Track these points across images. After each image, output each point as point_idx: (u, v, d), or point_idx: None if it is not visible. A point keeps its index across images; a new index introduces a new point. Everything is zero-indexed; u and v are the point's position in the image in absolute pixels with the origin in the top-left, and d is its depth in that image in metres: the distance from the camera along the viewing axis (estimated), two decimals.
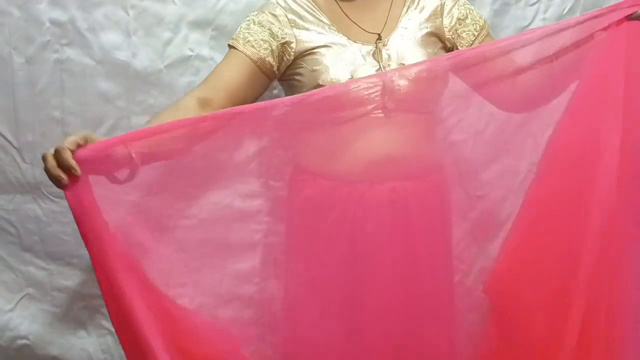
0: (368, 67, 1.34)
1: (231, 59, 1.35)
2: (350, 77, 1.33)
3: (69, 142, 1.06)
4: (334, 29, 1.37)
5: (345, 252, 1.35)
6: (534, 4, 1.76)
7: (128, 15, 1.49)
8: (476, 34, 1.45)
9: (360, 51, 1.35)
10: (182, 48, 1.53)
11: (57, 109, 1.50)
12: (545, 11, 1.77)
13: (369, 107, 1.33)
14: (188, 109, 1.23)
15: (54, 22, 1.45)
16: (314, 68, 1.34)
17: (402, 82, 1.34)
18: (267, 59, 1.35)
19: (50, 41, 1.46)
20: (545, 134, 1.86)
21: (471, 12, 1.46)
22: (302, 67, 1.36)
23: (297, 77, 1.37)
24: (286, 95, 1.44)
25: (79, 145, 1.07)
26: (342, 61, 1.34)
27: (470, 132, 1.82)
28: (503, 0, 1.74)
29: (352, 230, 1.34)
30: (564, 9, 1.78)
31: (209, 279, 1.70)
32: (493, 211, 1.88)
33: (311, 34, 1.36)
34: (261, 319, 1.75)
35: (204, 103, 1.27)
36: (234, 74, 1.33)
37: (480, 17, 1.47)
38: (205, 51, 1.54)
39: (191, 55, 1.54)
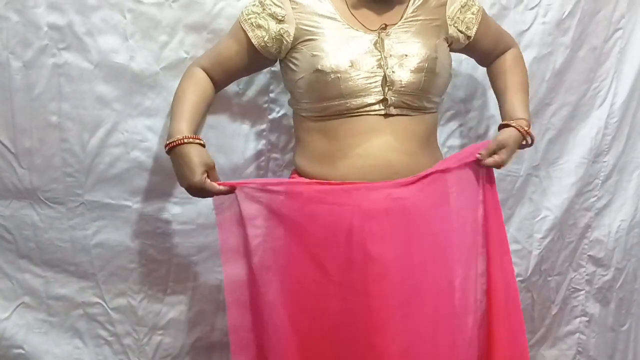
0: (369, 57, 1.34)
1: (235, 41, 1.42)
2: (350, 64, 1.32)
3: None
4: (337, 15, 1.37)
5: (341, 258, 1.34)
6: (533, 7, 1.77)
7: (125, 19, 1.48)
8: (472, 26, 1.48)
9: (363, 39, 1.35)
10: (178, 51, 1.53)
11: (54, 114, 1.48)
12: (545, 15, 1.78)
13: (369, 99, 1.33)
14: (204, 84, 1.43)
15: (52, 27, 1.44)
16: (314, 53, 1.34)
17: (403, 74, 1.34)
18: (268, 45, 1.38)
19: (48, 45, 1.44)
20: (544, 138, 1.89)
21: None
22: (301, 51, 1.36)
23: (295, 62, 1.37)
24: (282, 75, 1.46)
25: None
26: (343, 48, 1.33)
27: (472, 137, 1.83)
28: (501, 4, 1.75)
29: (349, 237, 1.33)
30: (563, 13, 1.79)
31: (208, 285, 1.69)
32: None
33: (312, 18, 1.36)
34: (261, 325, 1.74)
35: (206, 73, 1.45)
36: (235, 56, 1.43)
37: (474, 4, 1.49)
38: (200, 53, 1.54)
39: (186, 58, 1.54)
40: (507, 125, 1.47)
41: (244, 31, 1.39)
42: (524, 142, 1.48)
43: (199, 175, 1.30)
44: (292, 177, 1.46)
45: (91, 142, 1.52)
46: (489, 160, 1.43)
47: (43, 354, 1.61)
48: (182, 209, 1.62)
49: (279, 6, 1.37)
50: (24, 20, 1.42)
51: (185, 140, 1.32)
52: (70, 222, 1.56)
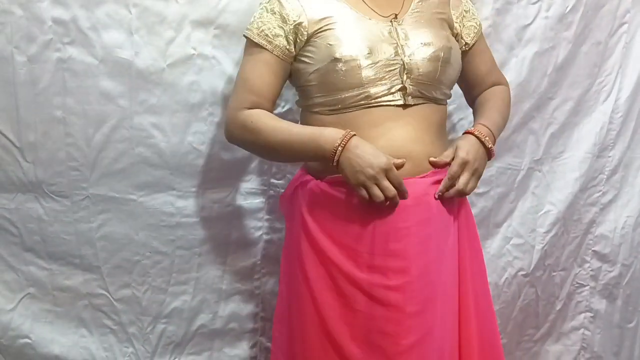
0: (386, 44, 1.33)
1: (259, 63, 1.36)
2: (368, 52, 1.31)
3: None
4: (348, 5, 1.36)
5: (367, 252, 1.32)
6: (535, 2, 1.76)
7: (130, 13, 1.48)
8: (472, 35, 1.48)
9: (377, 27, 1.34)
10: (184, 47, 1.52)
11: (59, 109, 1.49)
12: (547, 9, 1.77)
13: (387, 87, 1.32)
14: (270, 114, 1.39)
15: (56, 21, 1.44)
16: (330, 43, 1.31)
17: (420, 61, 1.33)
18: (286, 48, 1.35)
19: (53, 40, 1.45)
20: (547, 132, 1.89)
21: (472, 7, 1.49)
22: (315, 43, 1.33)
23: (308, 54, 1.34)
24: (291, 77, 1.41)
25: None
26: (358, 35, 1.32)
27: None
28: None
29: (373, 232, 1.31)
30: (566, 7, 1.78)
31: (211, 275, 1.70)
32: (492, 209, 1.89)
33: (323, 7, 1.34)
34: (261, 313, 1.75)
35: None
36: (271, 79, 1.37)
37: (476, 17, 1.49)
38: (207, 50, 1.54)
39: (194, 54, 1.53)
40: (468, 133, 1.38)
41: (262, 47, 1.35)
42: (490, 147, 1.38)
43: (383, 155, 1.25)
44: (301, 175, 1.45)
45: (96, 137, 1.53)
46: (452, 192, 1.33)
47: (49, 343, 1.63)
48: (186, 202, 1.63)
49: (283, 4, 1.34)
50: (28, 14, 1.42)
51: (352, 133, 1.28)
52: (75, 215, 1.57)
